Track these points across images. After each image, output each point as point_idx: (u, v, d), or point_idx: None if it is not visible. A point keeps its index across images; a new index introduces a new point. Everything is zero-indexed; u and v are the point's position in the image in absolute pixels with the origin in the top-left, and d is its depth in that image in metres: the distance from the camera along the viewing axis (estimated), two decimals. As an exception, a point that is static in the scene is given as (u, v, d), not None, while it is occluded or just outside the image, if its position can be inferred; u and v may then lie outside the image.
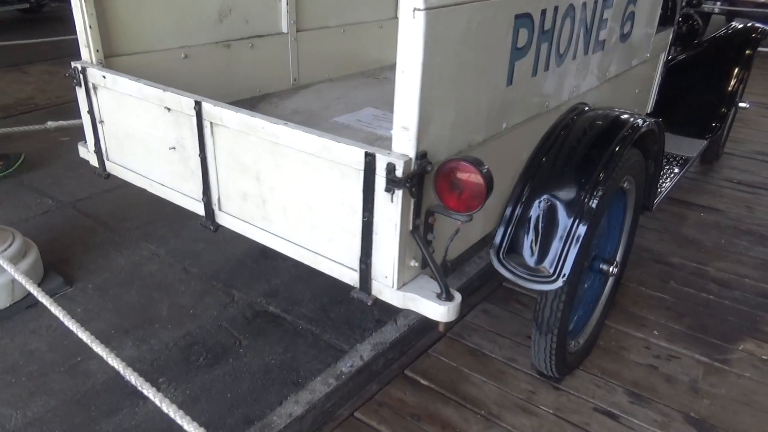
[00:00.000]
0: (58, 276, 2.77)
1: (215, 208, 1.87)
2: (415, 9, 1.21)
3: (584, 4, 1.85)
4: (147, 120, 1.93)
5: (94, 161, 2.26)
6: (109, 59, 2.14)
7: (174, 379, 2.27)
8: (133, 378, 1.47)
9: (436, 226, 1.49)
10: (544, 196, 1.84)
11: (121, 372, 1.50)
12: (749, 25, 3.71)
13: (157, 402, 1.40)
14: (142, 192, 2.16)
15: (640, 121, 2.02)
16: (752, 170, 4.28)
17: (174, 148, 1.88)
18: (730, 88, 3.43)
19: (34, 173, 3.86)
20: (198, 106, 1.71)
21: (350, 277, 1.58)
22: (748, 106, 3.71)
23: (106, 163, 2.20)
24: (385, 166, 1.35)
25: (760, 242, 3.32)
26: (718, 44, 3.64)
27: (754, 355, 2.47)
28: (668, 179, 2.99)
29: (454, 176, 1.37)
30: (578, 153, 1.90)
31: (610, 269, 2.24)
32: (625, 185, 2.18)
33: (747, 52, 3.57)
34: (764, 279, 2.97)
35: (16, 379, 2.24)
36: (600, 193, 1.81)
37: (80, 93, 2.12)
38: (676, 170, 3.11)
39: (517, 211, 1.86)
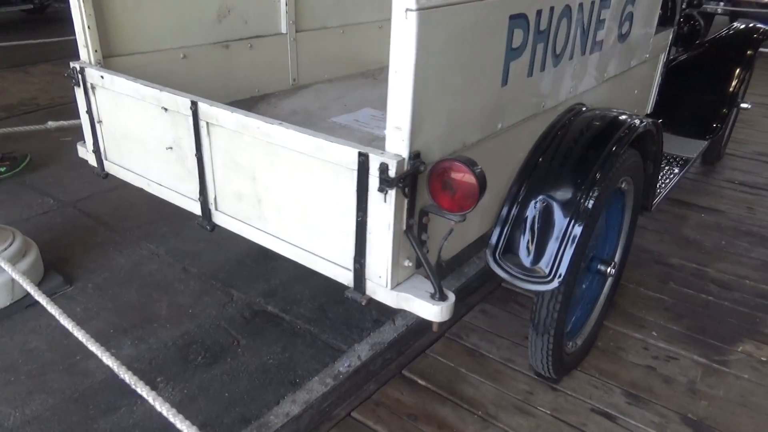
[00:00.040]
0: (58, 275, 2.79)
1: (212, 207, 1.87)
2: (407, 9, 1.22)
3: (581, 4, 1.85)
4: (144, 120, 1.94)
5: (92, 161, 2.27)
6: (108, 59, 2.15)
7: (172, 378, 2.28)
8: (127, 377, 1.48)
9: (430, 226, 1.50)
10: (541, 197, 1.84)
11: (116, 370, 1.51)
12: (751, 25, 3.70)
13: (151, 400, 1.41)
14: (142, 192, 2.17)
15: (637, 122, 2.02)
16: (754, 171, 4.26)
17: (171, 147, 1.89)
18: (731, 89, 3.42)
19: (36, 173, 3.88)
20: (194, 106, 1.72)
21: (345, 277, 1.58)
22: (750, 106, 3.70)
23: (105, 162, 2.21)
24: (378, 166, 1.36)
25: (761, 243, 3.31)
26: (719, 45, 3.63)
27: (752, 356, 2.46)
28: (668, 180, 2.99)
29: (448, 176, 1.38)
30: (574, 153, 1.90)
31: (608, 270, 2.24)
32: (623, 186, 2.17)
33: (748, 52, 3.55)
34: (764, 280, 2.96)
35: (15, 378, 2.25)
36: (596, 194, 1.81)
37: (79, 93, 2.13)
38: (676, 171, 3.11)
39: (514, 211, 1.87)
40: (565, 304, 1.98)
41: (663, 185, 2.91)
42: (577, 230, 1.78)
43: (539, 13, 1.64)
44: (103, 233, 3.22)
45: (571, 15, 1.82)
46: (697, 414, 2.18)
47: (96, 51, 2.09)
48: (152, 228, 3.26)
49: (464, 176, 1.36)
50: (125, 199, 3.46)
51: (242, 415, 2.12)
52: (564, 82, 1.94)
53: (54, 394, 2.18)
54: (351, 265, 1.54)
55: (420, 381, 2.31)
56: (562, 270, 1.77)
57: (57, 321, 1.91)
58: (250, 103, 2.65)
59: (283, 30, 2.80)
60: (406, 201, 1.40)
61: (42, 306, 1.98)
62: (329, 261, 1.61)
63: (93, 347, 1.58)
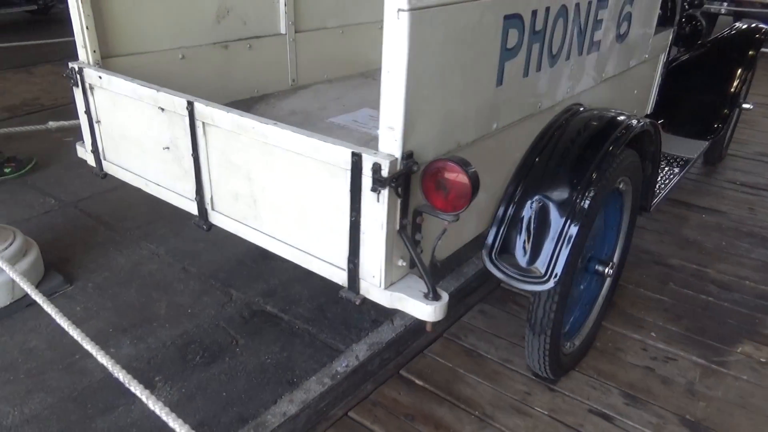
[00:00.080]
0: (58, 275, 2.80)
1: (208, 207, 1.88)
2: (399, 10, 1.22)
3: (577, 5, 1.85)
4: (142, 120, 1.95)
5: (91, 161, 2.28)
6: (107, 60, 2.16)
7: (170, 377, 2.28)
8: (121, 375, 1.48)
9: (424, 226, 1.50)
10: (537, 197, 1.84)
11: (110, 369, 1.51)
12: (753, 25, 3.68)
13: (144, 399, 1.41)
14: (142, 192, 2.18)
15: (634, 122, 2.01)
16: (756, 172, 4.25)
17: (168, 147, 1.89)
18: (732, 89, 3.40)
19: (37, 173, 3.91)
20: (190, 106, 1.72)
21: (339, 277, 1.58)
22: (752, 107, 3.69)
23: (103, 162, 2.22)
24: (371, 165, 1.36)
25: (762, 244, 3.29)
26: (721, 45, 3.61)
27: (752, 357, 2.45)
28: (668, 181, 2.98)
29: (441, 176, 1.38)
30: (571, 153, 1.90)
31: (606, 270, 2.23)
32: (620, 186, 2.17)
33: (750, 52, 3.54)
34: (764, 281, 2.95)
35: (15, 377, 2.26)
36: (592, 194, 1.80)
37: (77, 93, 2.15)
38: (676, 171, 3.10)
39: (510, 211, 1.87)
40: (561, 304, 1.97)
41: (662, 186, 2.90)
42: (573, 230, 1.78)
43: (535, 13, 1.64)
44: (104, 233, 3.23)
45: (567, 15, 1.81)
46: (695, 415, 2.17)
47: (95, 51, 2.10)
48: (152, 228, 3.27)
49: (457, 176, 1.36)
50: (126, 199, 3.47)
51: (239, 414, 2.13)
52: (561, 83, 1.94)
53: (53, 393, 2.19)
54: (345, 265, 1.54)
55: (417, 381, 2.31)
56: (558, 270, 1.77)
57: (66, 321, 1.92)
58: (249, 103, 2.66)
59: (283, 30, 2.81)
60: (399, 201, 1.40)
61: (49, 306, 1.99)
62: (324, 261, 1.61)
63: (88, 346, 1.59)
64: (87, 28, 2.06)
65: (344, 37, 3.11)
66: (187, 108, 1.73)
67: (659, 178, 2.98)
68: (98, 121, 2.14)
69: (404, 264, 1.51)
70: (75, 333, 1.63)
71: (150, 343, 2.45)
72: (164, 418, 1.35)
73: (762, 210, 3.69)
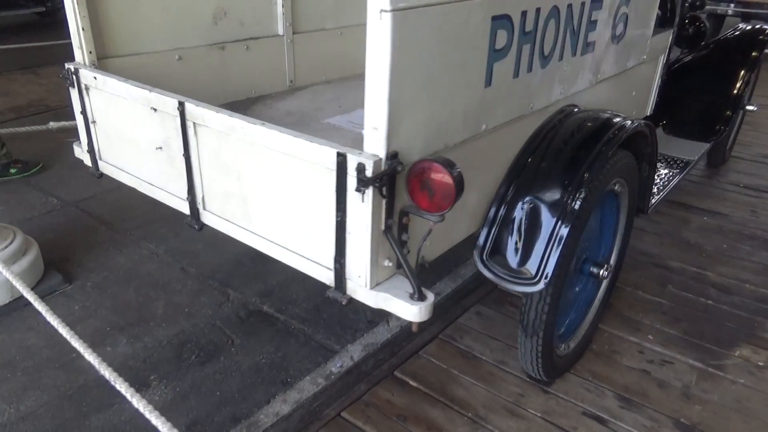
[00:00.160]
0: (57, 273, 2.82)
1: (200, 207, 1.89)
2: (381, 10, 1.22)
3: (570, 5, 1.84)
4: (136, 120, 1.96)
5: (87, 161, 2.30)
6: (103, 61, 2.18)
7: (165, 376, 2.30)
8: (107, 373, 1.49)
9: (411, 226, 1.50)
10: (528, 197, 1.84)
11: (97, 367, 1.52)
12: (756, 26, 3.65)
13: (128, 397, 1.42)
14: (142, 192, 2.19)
15: (627, 123, 2.00)
16: (759, 174, 4.21)
17: (161, 148, 1.91)
18: (735, 91, 3.37)
19: (40, 173, 3.94)
20: (181, 106, 1.73)
21: (326, 276, 1.59)
22: (755, 108, 3.66)
23: (99, 162, 2.24)
24: (355, 165, 1.36)
25: (763, 247, 3.26)
26: (723, 46, 3.58)
27: (749, 361, 2.43)
28: (667, 182, 2.96)
29: (425, 176, 1.38)
30: (563, 154, 1.89)
31: (601, 272, 2.22)
32: (616, 188, 2.16)
33: (754, 53, 3.51)
34: (765, 284, 2.93)
35: (12, 375, 2.28)
36: (583, 195, 1.79)
37: (74, 94, 2.17)
38: (676, 173, 3.08)
39: (501, 211, 1.86)
40: (554, 306, 1.96)
41: (661, 187, 2.89)
42: (564, 231, 1.77)
43: (524, 14, 1.64)
44: (104, 233, 3.26)
45: (559, 16, 1.80)
46: (690, 419, 2.16)
47: (90, 52, 2.12)
48: (152, 228, 3.29)
49: (442, 177, 1.36)
50: (126, 200, 3.49)
51: (233, 413, 2.14)
52: (553, 84, 1.93)
53: (49, 390, 2.21)
54: (332, 265, 1.55)
55: (411, 382, 2.31)
56: (549, 271, 1.76)
57: (56, 319, 1.94)
58: (246, 104, 2.67)
59: (280, 32, 2.82)
60: (384, 201, 1.40)
61: (41, 304, 2.00)
62: (312, 260, 1.62)
63: (77, 344, 1.60)
64: (83, 29, 2.08)
65: (342, 39, 3.11)
66: (178, 108, 1.74)
67: (657, 180, 2.96)
68: (94, 122, 2.16)
69: (390, 264, 1.51)
70: (64, 331, 1.64)
71: (146, 342, 2.46)
72: (147, 415, 1.36)
73: (764, 212, 3.66)
